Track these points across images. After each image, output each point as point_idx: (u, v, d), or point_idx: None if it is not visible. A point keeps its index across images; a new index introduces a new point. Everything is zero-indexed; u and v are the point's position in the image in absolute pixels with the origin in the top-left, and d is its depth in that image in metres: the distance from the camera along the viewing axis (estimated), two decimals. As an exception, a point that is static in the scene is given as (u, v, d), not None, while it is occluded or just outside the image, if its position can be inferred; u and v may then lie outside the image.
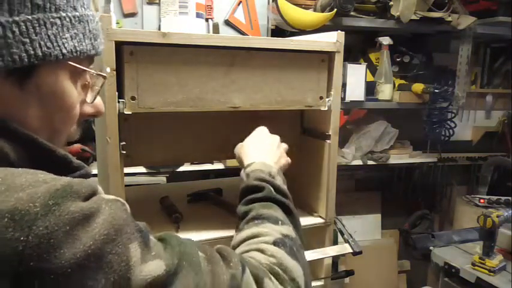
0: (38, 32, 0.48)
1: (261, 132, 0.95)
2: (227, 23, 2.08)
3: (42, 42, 0.48)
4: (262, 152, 0.88)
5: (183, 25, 1.90)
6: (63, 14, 0.50)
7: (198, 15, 1.95)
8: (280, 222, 0.71)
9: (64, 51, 0.50)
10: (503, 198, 2.46)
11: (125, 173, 0.98)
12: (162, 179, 2.06)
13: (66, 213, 0.42)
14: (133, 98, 0.89)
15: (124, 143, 0.91)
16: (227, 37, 0.96)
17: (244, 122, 1.22)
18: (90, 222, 0.44)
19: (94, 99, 0.59)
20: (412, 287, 2.79)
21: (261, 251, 0.63)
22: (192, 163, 2.14)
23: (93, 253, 0.42)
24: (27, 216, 0.40)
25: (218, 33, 2.01)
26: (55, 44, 0.49)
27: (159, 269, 0.47)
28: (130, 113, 0.89)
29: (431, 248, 2.09)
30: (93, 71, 0.56)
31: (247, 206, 0.74)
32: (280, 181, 0.81)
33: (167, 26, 1.91)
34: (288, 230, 0.70)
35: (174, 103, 0.92)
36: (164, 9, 1.94)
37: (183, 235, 1.02)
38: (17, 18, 0.46)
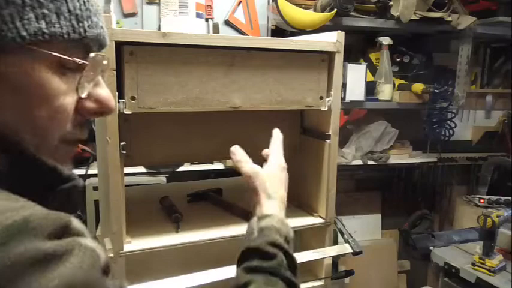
0: None
1: (280, 164, 0.82)
2: (227, 23, 2.08)
3: None
4: (278, 196, 0.77)
5: (183, 25, 1.90)
6: None
7: (198, 15, 1.95)
8: None
9: (24, 33, 0.42)
10: (503, 198, 2.46)
11: (125, 173, 0.98)
12: (162, 179, 2.05)
13: (17, 254, 0.34)
14: (133, 98, 0.89)
15: (124, 143, 0.91)
16: (227, 37, 0.96)
17: (244, 122, 1.23)
18: (49, 268, 0.35)
19: (86, 93, 0.50)
20: (412, 287, 2.79)
21: None
22: (192, 163, 2.14)
23: None
24: None
25: (218, 33, 2.01)
26: (11, 25, 0.42)
27: None
28: (130, 113, 0.89)
29: (431, 248, 2.09)
30: (70, 58, 0.47)
31: (249, 275, 0.62)
32: (292, 247, 0.70)
33: (167, 26, 1.91)
34: None
35: (174, 103, 0.92)
36: (164, 9, 1.94)
37: (183, 235, 1.02)
38: None
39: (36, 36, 0.43)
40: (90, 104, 0.50)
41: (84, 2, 0.48)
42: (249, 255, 0.65)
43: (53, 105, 0.46)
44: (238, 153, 0.80)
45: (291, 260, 0.67)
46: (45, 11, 0.44)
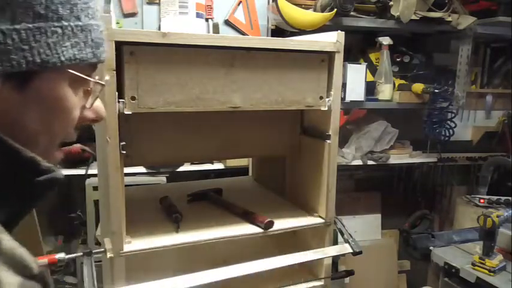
0: (37, 39, 0.49)
1: None
2: (227, 23, 2.08)
3: (41, 50, 0.49)
4: None
5: (183, 25, 1.90)
6: (65, 24, 0.51)
7: (198, 15, 1.95)
8: None
9: (63, 59, 0.51)
10: (503, 198, 2.46)
11: (125, 173, 0.98)
12: (162, 179, 2.06)
13: None
14: (133, 98, 0.89)
15: (124, 143, 0.91)
16: (227, 37, 0.96)
17: (244, 122, 1.23)
18: None
19: (92, 104, 0.60)
20: (412, 287, 2.79)
21: None
22: (192, 163, 2.14)
23: None
24: None
25: (218, 33, 2.01)
26: (54, 52, 0.50)
27: None
28: (130, 113, 0.89)
29: (431, 248, 2.08)
30: (92, 79, 0.57)
31: None
32: None
33: (167, 26, 1.91)
34: None
35: (174, 103, 0.92)
36: (164, 9, 1.94)
37: (183, 235, 1.02)
38: (18, 27, 0.47)
39: (70, 61, 0.52)
40: (89, 114, 0.60)
41: (101, 32, 0.57)
42: None
43: (70, 116, 0.55)
44: None
45: None
46: (77, 39, 0.53)
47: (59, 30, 0.50)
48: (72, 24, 0.52)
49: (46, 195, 0.53)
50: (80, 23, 0.53)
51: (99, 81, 0.59)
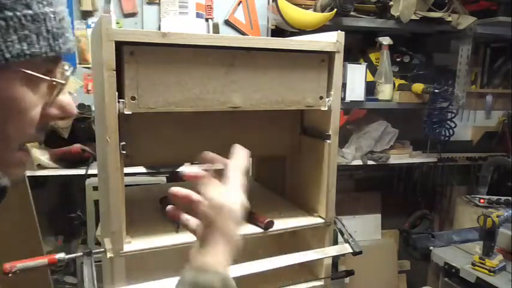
0: None
1: (243, 201, 0.63)
2: (227, 23, 2.08)
3: None
4: (235, 244, 0.62)
5: (183, 25, 1.90)
6: (9, 14, 0.43)
7: (198, 15, 1.95)
8: None
9: (7, 56, 0.44)
10: (503, 198, 2.46)
11: (125, 173, 0.98)
12: (162, 179, 2.05)
13: None
14: (133, 98, 0.89)
15: (124, 143, 0.91)
16: (227, 37, 0.96)
17: (244, 122, 1.23)
18: None
19: (52, 101, 0.52)
20: (412, 287, 2.79)
21: None
22: (192, 163, 2.13)
23: None
24: None
25: (218, 33, 2.01)
26: None
27: None
28: (130, 113, 0.89)
29: (431, 248, 2.08)
30: (47, 77, 0.49)
31: None
32: None
33: (167, 26, 1.91)
34: None
35: (174, 103, 0.92)
36: (164, 9, 1.94)
37: (183, 235, 1.02)
38: None
39: (18, 58, 0.44)
40: (54, 111, 0.52)
41: (59, 20, 0.49)
42: None
43: (26, 117, 0.48)
44: (210, 161, 0.66)
45: None
46: (27, 32, 0.45)
47: (2, 23, 0.43)
48: (18, 14, 0.44)
49: None
50: (29, 12, 0.45)
51: (56, 80, 0.50)
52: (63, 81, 0.51)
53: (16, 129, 0.48)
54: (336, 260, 1.24)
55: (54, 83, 0.50)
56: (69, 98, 0.54)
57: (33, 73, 0.47)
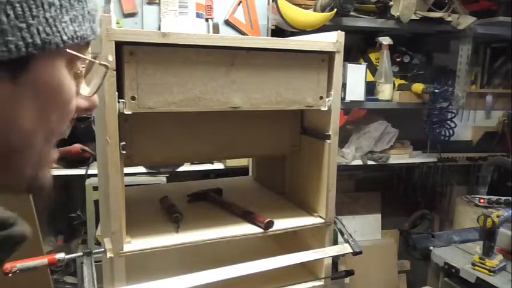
0: (35, 15, 0.38)
1: None
2: (227, 23, 2.08)
3: (40, 28, 0.38)
4: None
5: (183, 25, 1.90)
6: None
7: (198, 15, 1.95)
8: None
9: (65, 37, 0.40)
10: (503, 198, 2.46)
11: (125, 173, 0.98)
12: (162, 179, 2.05)
13: None
14: (133, 98, 0.89)
15: (124, 143, 0.91)
16: (227, 37, 0.96)
17: (244, 122, 1.23)
18: None
19: (95, 92, 0.49)
20: (412, 287, 2.79)
21: None
22: (192, 163, 2.14)
23: None
24: None
25: (218, 33, 2.01)
26: (54, 29, 0.40)
27: None
28: (130, 113, 0.89)
29: (431, 248, 2.08)
30: (96, 60, 0.47)
31: None
32: None
33: (167, 26, 1.91)
34: None
35: (174, 103, 0.92)
36: (164, 9, 1.94)
37: (183, 235, 1.02)
38: None
39: (72, 40, 0.41)
40: (83, 102, 0.49)
41: (93, 2, 0.46)
42: None
43: (69, 108, 0.45)
44: None
45: None
46: (75, 12, 0.42)
47: (56, 2, 0.40)
48: None
49: None
50: None
51: (104, 63, 0.48)
52: (108, 64, 0.48)
53: (59, 121, 0.44)
54: (336, 260, 1.24)
55: (79, 71, 0.46)
56: (88, 89, 0.50)
57: (80, 55, 0.43)
